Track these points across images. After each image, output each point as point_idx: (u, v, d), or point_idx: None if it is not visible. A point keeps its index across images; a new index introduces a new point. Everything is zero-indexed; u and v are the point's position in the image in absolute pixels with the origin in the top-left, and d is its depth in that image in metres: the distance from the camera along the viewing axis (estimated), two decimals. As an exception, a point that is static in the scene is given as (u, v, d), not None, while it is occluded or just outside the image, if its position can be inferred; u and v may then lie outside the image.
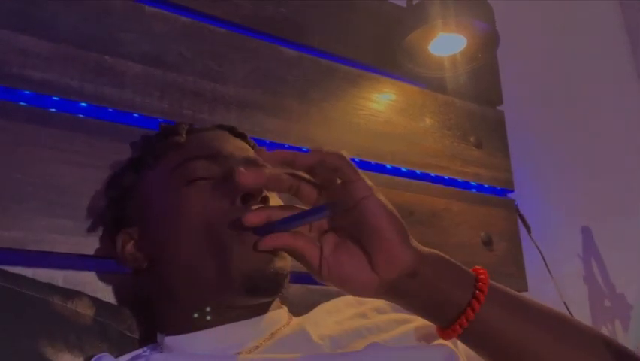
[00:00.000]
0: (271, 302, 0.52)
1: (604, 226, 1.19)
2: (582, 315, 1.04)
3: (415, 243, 0.41)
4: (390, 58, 0.89)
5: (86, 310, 0.50)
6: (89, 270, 0.57)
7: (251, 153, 0.55)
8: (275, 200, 0.52)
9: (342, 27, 0.88)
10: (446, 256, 0.42)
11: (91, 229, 0.58)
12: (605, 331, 1.13)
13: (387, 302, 0.51)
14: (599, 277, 1.16)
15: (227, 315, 0.48)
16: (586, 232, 1.17)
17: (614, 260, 1.18)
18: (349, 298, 0.55)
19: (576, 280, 1.13)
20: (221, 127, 0.59)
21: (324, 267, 0.41)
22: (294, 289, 0.68)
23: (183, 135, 0.55)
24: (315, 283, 0.71)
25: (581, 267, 1.15)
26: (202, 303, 0.48)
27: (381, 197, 0.40)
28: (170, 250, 0.49)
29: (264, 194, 0.48)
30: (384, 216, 0.39)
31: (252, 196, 0.47)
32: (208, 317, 0.48)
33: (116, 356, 0.48)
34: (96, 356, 0.47)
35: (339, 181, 0.41)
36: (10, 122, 0.57)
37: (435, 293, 0.40)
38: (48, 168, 0.58)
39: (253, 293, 0.46)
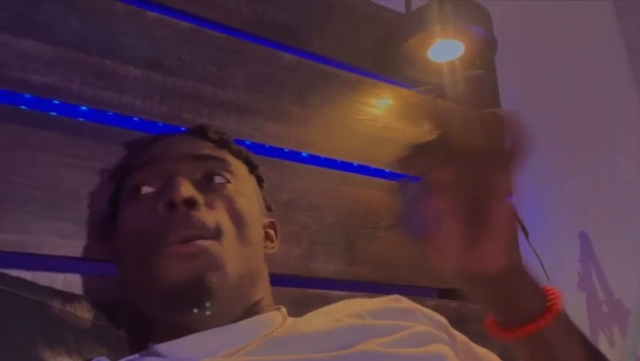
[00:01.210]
0: (261, 305, 0.51)
1: (601, 231, 1.19)
2: (580, 320, 1.04)
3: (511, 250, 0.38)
4: (389, 63, 0.90)
5: (85, 314, 0.50)
6: (89, 273, 0.57)
7: (199, 150, 0.53)
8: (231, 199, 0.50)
9: (342, 33, 0.89)
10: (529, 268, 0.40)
11: (91, 233, 0.58)
12: (602, 336, 1.13)
13: (384, 308, 0.51)
14: (596, 283, 1.16)
15: (185, 327, 0.47)
16: (583, 237, 1.18)
17: (612, 266, 1.18)
18: (347, 302, 0.55)
19: (574, 285, 1.14)
20: (190, 129, 0.59)
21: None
22: (290, 292, 0.68)
23: (137, 150, 0.56)
24: (312, 287, 0.71)
25: (578, 272, 1.15)
26: (157, 317, 0.48)
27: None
28: (121, 266, 0.51)
29: (184, 197, 0.46)
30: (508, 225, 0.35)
31: (172, 203, 0.46)
32: (178, 328, 0.47)
33: (114, 360, 0.48)
34: (94, 360, 0.47)
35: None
36: (11, 125, 0.58)
37: (513, 296, 0.39)
38: (48, 171, 0.58)
39: (173, 308, 0.46)
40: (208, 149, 0.53)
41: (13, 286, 0.48)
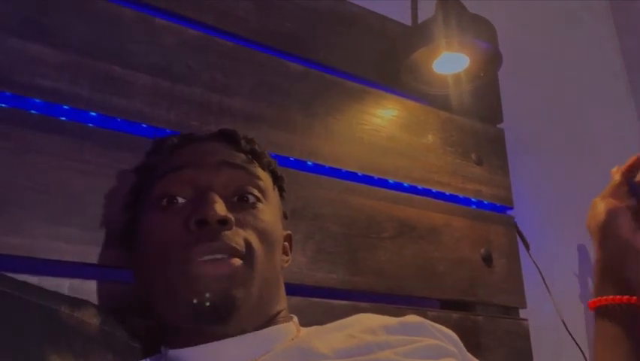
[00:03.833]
0: (279, 316, 0.52)
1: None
2: (579, 334, 1.05)
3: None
4: (394, 75, 0.90)
5: (92, 319, 0.50)
6: (95, 279, 0.57)
7: (233, 161, 0.53)
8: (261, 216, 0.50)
9: (348, 43, 0.90)
10: None
11: (98, 238, 0.58)
12: (600, 350, 1.13)
13: (398, 323, 0.52)
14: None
15: (206, 335, 0.47)
16: (582, 250, 1.18)
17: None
18: (360, 316, 0.54)
19: (573, 298, 1.14)
20: (219, 133, 0.58)
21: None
22: (295, 301, 0.68)
23: (165, 151, 0.55)
24: (316, 296, 0.72)
25: (577, 285, 1.16)
26: (172, 324, 0.48)
27: None
28: (142, 275, 0.51)
29: (219, 217, 0.46)
30: None
31: (205, 222, 0.46)
32: (196, 336, 0.47)
33: (121, 366, 0.48)
34: (102, 366, 0.47)
35: None
36: (20, 129, 0.58)
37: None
38: (57, 176, 0.58)
39: (197, 321, 0.46)
40: (240, 160, 0.53)
41: (20, 291, 0.48)
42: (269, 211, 0.52)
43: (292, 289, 0.69)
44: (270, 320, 0.51)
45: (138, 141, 0.65)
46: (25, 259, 0.55)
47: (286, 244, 0.59)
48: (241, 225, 0.49)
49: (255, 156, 0.56)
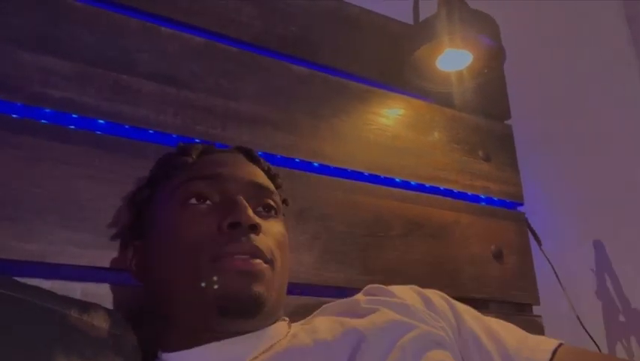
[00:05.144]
0: (268, 318, 0.53)
1: (616, 239, 1.18)
2: (596, 330, 1.03)
3: None
4: (398, 74, 0.90)
5: (102, 324, 0.51)
6: (107, 282, 0.58)
7: (258, 177, 0.57)
8: (273, 226, 0.53)
9: (351, 45, 0.90)
10: None
11: (108, 243, 0.60)
12: (619, 347, 1.12)
13: (372, 306, 0.55)
14: (612, 292, 1.15)
15: (222, 332, 0.49)
16: (598, 245, 1.17)
17: (628, 274, 1.17)
18: (342, 301, 0.57)
19: (589, 294, 1.12)
20: (238, 149, 0.61)
21: None
22: (303, 301, 0.69)
23: (193, 156, 0.57)
24: (324, 295, 0.72)
25: (593, 281, 1.14)
26: (187, 323, 0.50)
27: None
28: (159, 268, 0.53)
29: (252, 222, 0.50)
30: None
31: (239, 224, 0.49)
32: (201, 335, 0.49)
33: (130, 369, 0.50)
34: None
35: None
36: (31, 138, 0.60)
37: None
38: (67, 183, 0.60)
39: (225, 314, 0.48)
40: (264, 178, 0.58)
41: (32, 296, 0.49)
42: (282, 225, 0.57)
43: (300, 289, 0.70)
44: (273, 322, 0.53)
45: (146, 147, 0.66)
46: (37, 265, 0.56)
47: None
48: (264, 232, 0.52)
49: (272, 176, 0.60)
